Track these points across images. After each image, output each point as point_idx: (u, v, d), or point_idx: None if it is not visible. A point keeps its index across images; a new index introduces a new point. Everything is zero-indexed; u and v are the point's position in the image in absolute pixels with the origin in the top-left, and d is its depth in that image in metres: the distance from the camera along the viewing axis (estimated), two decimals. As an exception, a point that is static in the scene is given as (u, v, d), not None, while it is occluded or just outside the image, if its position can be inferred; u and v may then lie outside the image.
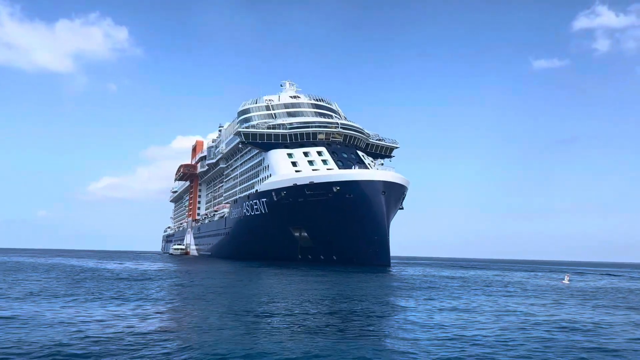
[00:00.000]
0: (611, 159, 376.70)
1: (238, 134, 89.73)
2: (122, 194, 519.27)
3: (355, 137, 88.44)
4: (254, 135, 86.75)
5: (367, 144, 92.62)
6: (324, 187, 71.01)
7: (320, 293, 27.99)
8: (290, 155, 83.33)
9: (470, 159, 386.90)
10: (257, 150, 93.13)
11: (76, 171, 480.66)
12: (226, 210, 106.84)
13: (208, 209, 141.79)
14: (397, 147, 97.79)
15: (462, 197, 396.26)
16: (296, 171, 79.52)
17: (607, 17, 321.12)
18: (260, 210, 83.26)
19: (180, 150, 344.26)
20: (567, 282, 51.49)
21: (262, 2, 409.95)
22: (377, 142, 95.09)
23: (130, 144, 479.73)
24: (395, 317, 19.74)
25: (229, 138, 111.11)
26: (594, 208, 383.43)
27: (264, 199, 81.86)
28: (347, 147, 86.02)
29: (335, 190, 69.77)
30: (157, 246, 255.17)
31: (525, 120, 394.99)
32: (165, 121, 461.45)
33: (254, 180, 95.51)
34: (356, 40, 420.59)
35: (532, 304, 25.58)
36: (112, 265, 67.42)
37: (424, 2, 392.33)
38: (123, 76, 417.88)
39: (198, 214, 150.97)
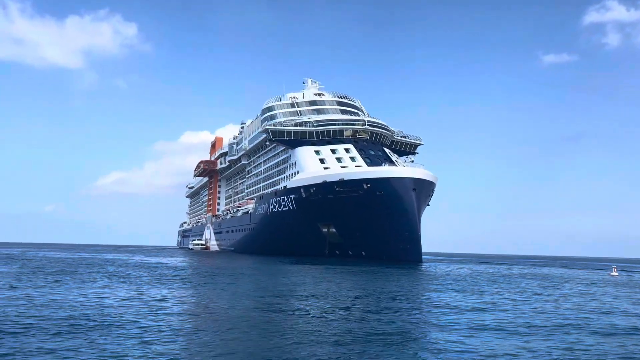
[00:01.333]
0: (616, 155, 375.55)
1: (265, 130, 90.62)
2: (131, 189, 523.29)
3: (381, 134, 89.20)
4: (281, 132, 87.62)
5: (392, 141, 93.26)
6: (354, 184, 71.80)
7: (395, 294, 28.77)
8: (317, 152, 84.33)
9: (478, 158, 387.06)
10: (283, 147, 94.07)
11: (84, 166, 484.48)
12: (250, 206, 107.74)
13: (228, 204, 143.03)
14: (421, 144, 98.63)
15: (467, 195, 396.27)
16: (324, 168, 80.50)
17: (617, 12, 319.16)
18: (288, 206, 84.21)
19: (189, 145, 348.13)
20: (616, 274, 53.08)
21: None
22: (402, 139, 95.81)
23: (138, 139, 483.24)
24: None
25: (253, 135, 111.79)
26: (598, 205, 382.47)
27: (292, 195, 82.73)
28: (374, 144, 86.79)
29: (365, 187, 70.51)
30: (172, 241, 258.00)
31: (534, 117, 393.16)
32: (173, 116, 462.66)
33: (279, 177, 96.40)
34: (366, 38, 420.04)
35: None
36: (162, 259, 69.29)
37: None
38: (132, 72, 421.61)
39: (218, 210, 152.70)
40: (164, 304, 20.73)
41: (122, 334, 13.45)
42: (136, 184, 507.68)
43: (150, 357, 11.00)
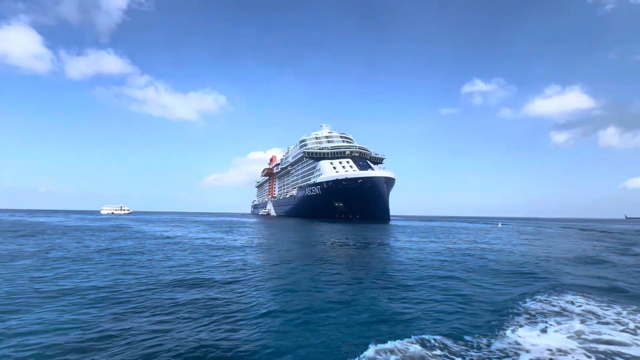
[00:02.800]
0: (479, 160, 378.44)
1: (303, 152, 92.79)
2: (223, 183, 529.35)
3: (364, 153, 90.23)
4: (312, 153, 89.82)
5: (371, 156, 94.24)
6: (353, 180, 73.48)
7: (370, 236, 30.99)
8: (331, 163, 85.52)
9: (412, 160, 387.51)
10: (312, 161, 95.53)
11: (198, 171, 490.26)
12: (294, 192, 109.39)
13: (280, 191, 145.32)
14: (385, 158, 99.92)
15: (409, 183, 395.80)
16: (336, 172, 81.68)
17: (480, 85, 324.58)
18: (316, 192, 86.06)
19: (252, 159, 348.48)
20: (501, 226, 52.08)
21: (309, 76, 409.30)
22: (375, 155, 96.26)
23: (226, 156, 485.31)
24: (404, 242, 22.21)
25: (294, 154, 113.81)
26: (472, 187, 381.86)
27: (318, 186, 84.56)
28: (360, 158, 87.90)
29: (359, 182, 72.28)
30: (247, 211, 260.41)
31: (440, 138, 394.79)
32: (244, 143, 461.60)
33: (310, 177, 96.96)
34: (353, 101, 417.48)
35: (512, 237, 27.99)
36: (251, 219, 68.94)
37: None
38: (222, 121, 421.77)
39: (274, 194, 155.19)
40: (260, 234, 23.90)
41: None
42: (225, 181, 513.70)
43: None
